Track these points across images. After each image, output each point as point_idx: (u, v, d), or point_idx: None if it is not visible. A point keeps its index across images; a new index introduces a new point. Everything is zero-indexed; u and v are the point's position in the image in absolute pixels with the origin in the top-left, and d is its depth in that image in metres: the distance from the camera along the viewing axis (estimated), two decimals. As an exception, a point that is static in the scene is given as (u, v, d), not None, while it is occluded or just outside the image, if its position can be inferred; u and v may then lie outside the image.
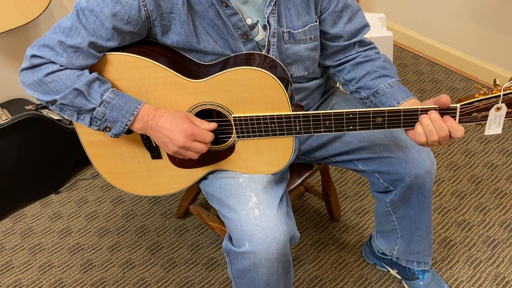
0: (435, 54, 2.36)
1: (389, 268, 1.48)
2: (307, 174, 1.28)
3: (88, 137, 1.08)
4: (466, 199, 1.72)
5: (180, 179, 1.12)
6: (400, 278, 1.45)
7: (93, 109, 0.94)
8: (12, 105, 1.70)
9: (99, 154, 1.11)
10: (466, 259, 1.53)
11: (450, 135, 0.92)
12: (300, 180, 1.26)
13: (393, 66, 1.11)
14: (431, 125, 0.92)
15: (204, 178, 1.12)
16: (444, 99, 0.90)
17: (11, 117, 1.64)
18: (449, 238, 1.60)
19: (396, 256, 1.38)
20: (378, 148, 1.15)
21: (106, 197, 1.82)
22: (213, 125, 0.98)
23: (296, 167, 1.29)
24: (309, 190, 1.64)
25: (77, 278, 1.56)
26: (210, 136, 0.97)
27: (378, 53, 1.12)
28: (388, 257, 1.44)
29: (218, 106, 1.00)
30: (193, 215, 1.71)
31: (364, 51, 1.11)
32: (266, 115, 0.98)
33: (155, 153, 1.08)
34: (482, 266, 1.51)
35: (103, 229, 1.71)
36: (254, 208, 1.00)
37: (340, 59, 1.12)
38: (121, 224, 1.72)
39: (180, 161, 1.08)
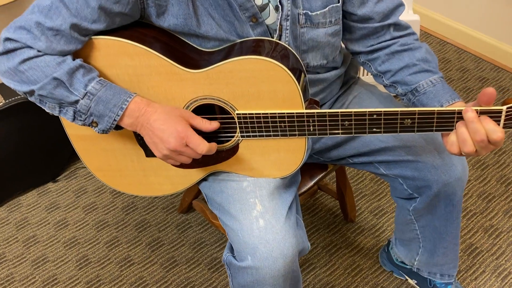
0: (463, 40, 2.18)
1: (407, 277, 1.35)
2: (320, 176, 1.15)
3: (75, 130, 0.96)
4: (494, 202, 1.57)
5: (178, 180, 0.99)
6: (420, 289, 1.33)
7: (76, 101, 0.82)
8: (5, 88, 1.59)
9: (88, 150, 0.99)
10: (493, 269, 1.39)
11: (489, 141, 0.77)
12: (313, 182, 1.13)
13: (435, 58, 0.95)
14: (466, 133, 0.77)
15: (204, 179, 1.00)
16: (487, 96, 0.75)
17: (4, 101, 1.53)
18: (474, 245, 1.46)
19: (417, 267, 1.25)
20: (403, 150, 1.01)
21: (106, 188, 1.71)
22: (215, 125, 0.85)
23: (308, 168, 1.16)
24: (322, 188, 1.51)
25: (72, 275, 1.47)
26: (204, 147, 0.82)
27: (418, 40, 0.97)
28: (408, 267, 1.31)
29: (219, 101, 0.86)
30: (197, 210, 1.60)
31: (401, 36, 0.95)
32: (275, 113, 0.85)
33: (149, 150, 0.95)
34: (511, 278, 1.37)
35: (101, 222, 1.61)
36: (258, 217, 0.88)
37: (372, 45, 0.97)
38: (121, 218, 1.62)
39: (177, 161, 0.96)
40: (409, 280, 1.35)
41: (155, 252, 1.51)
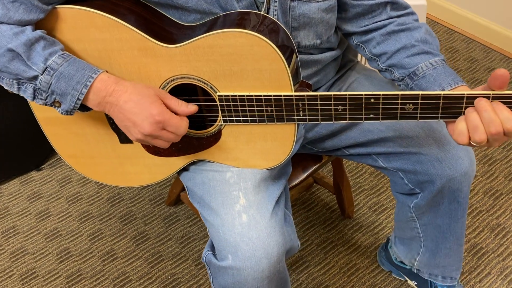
0: (472, 29, 2.07)
1: (407, 278, 1.26)
2: (314, 168, 1.05)
3: (44, 112, 0.88)
4: (501, 199, 1.47)
5: (156, 169, 0.91)
6: (420, 291, 1.24)
7: (35, 77, 0.73)
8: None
9: (58, 134, 0.90)
10: (499, 271, 1.30)
11: (504, 132, 0.68)
12: (305, 175, 1.04)
13: (435, 40, 0.85)
14: (478, 119, 0.68)
15: (185, 169, 0.91)
16: (500, 80, 0.65)
17: (-18, 84, 1.45)
18: (479, 245, 1.37)
19: (417, 267, 1.16)
20: (405, 140, 0.92)
21: (91, 178, 1.63)
22: (193, 108, 0.76)
23: (300, 158, 1.07)
24: (318, 181, 1.42)
25: (51, 269, 1.39)
26: (184, 127, 0.75)
27: (417, 20, 0.87)
28: (407, 267, 1.22)
29: (199, 80, 0.77)
30: (185, 203, 1.51)
31: (398, 16, 0.86)
32: (261, 95, 0.75)
33: (123, 136, 0.87)
34: (518, 281, 1.28)
35: (85, 214, 1.52)
36: (241, 212, 0.79)
37: (367, 25, 0.87)
38: (106, 209, 1.54)
39: (154, 148, 0.87)
40: (409, 281, 1.26)
41: (140, 246, 1.43)
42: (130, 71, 0.78)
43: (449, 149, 0.89)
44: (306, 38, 0.84)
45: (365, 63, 1.63)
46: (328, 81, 0.98)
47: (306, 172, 1.05)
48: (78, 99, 0.73)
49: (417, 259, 1.14)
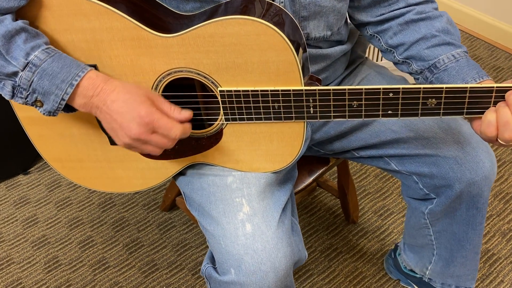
0: (475, 27, 2.01)
1: (416, 287, 1.19)
2: (320, 171, 0.98)
3: (26, 111, 0.80)
4: (512, 203, 1.41)
5: (150, 174, 0.83)
6: (431, 301, 1.17)
7: (15, 73, 0.65)
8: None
9: (42, 135, 0.83)
10: (512, 279, 1.24)
11: None
12: (311, 178, 0.97)
13: (457, 30, 0.79)
14: (510, 115, 0.61)
15: (182, 173, 0.83)
16: None
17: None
18: (491, 251, 1.30)
19: (429, 276, 1.09)
20: (420, 141, 0.85)
21: (81, 181, 1.55)
22: (187, 114, 0.68)
23: (306, 161, 0.99)
24: (321, 185, 1.35)
25: (39, 279, 1.30)
26: (177, 130, 0.66)
27: (437, 9, 0.80)
28: (418, 276, 1.15)
29: (199, 74, 0.70)
30: (181, 209, 1.43)
31: (417, 4, 0.79)
32: (267, 90, 0.68)
33: (114, 137, 0.79)
34: (534, 290, 1.21)
35: (75, 220, 1.44)
36: (245, 221, 0.72)
37: (383, 13, 0.80)
38: (97, 215, 1.45)
39: (148, 150, 0.79)
40: (419, 291, 1.19)
41: (133, 255, 1.35)
42: (122, 65, 0.71)
43: (469, 151, 0.82)
44: (316, 29, 0.77)
45: (372, 59, 1.56)
46: (337, 78, 0.91)
47: (313, 176, 0.97)
48: (62, 99, 0.65)
49: (429, 268, 1.07)
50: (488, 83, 0.70)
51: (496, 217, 1.38)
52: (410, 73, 0.80)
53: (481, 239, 0.97)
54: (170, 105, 0.67)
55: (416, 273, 1.15)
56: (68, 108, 0.68)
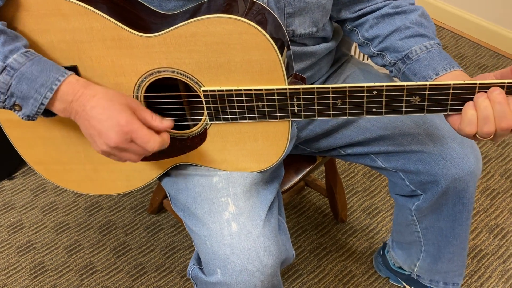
0: (460, 25, 2.03)
1: (405, 285, 1.20)
2: (307, 170, 0.98)
3: (6, 114, 0.78)
4: (499, 198, 1.42)
5: (134, 175, 0.82)
6: (420, 297, 1.17)
7: (-8, 76, 0.63)
8: None
9: (24, 138, 0.81)
10: (500, 274, 1.25)
11: None
12: (298, 177, 0.96)
13: (432, 24, 0.79)
14: (489, 109, 0.62)
15: (167, 174, 0.83)
16: None
17: None
18: (478, 247, 1.31)
19: (418, 273, 1.09)
20: (406, 138, 0.85)
21: (67, 186, 1.53)
22: (168, 123, 0.67)
23: (293, 160, 0.99)
24: (309, 184, 1.35)
25: (24, 285, 1.28)
26: (154, 143, 0.64)
27: (414, 4, 0.81)
28: (407, 273, 1.15)
29: (181, 74, 0.69)
30: (168, 211, 1.42)
31: None
32: (251, 89, 0.68)
33: (97, 139, 0.78)
34: (521, 284, 1.22)
35: (61, 225, 1.42)
36: (231, 221, 0.71)
37: (361, 9, 0.81)
38: (83, 219, 1.43)
39: (132, 151, 0.78)
40: (408, 288, 1.20)
41: (121, 258, 1.33)
42: (103, 65, 0.70)
43: (454, 147, 0.83)
44: (302, 26, 0.77)
45: (359, 58, 1.56)
46: (322, 76, 0.90)
47: (300, 175, 0.97)
48: (41, 103, 0.64)
49: (417, 265, 1.07)
50: (459, 73, 0.71)
51: (483, 213, 1.39)
52: (384, 65, 0.80)
53: (468, 234, 0.97)
54: (152, 114, 0.66)
55: (405, 270, 1.15)
56: (48, 113, 0.67)
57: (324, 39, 0.84)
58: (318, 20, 0.78)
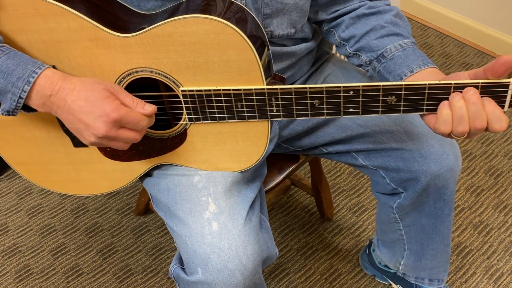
0: (445, 25, 2.05)
1: (391, 283, 1.21)
2: (291, 169, 0.98)
3: (-14, 116, 0.77)
4: (483, 195, 1.44)
5: (115, 175, 0.82)
6: (405, 295, 1.18)
7: (-32, 74, 0.63)
8: None
9: (3, 138, 0.81)
10: (484, 270, 1.26)
11: (487, 127, 0.63)
12: (282, 176, 0.97)
13: (407, 24, 0.80)
14: (464, 109, 0.62)
15: (148, 174, 0.82)
16: (504, 67, 0.59)
17: None
18: (463, 244, 1.32)
19: (403, 271, 1.10)
20: (386, 136, 0.86)
21: (53, 188, 1.52)
22: (151, 109, 0.67)
23: (276, 159, 0.99)
24: (296, 183, 1.35)
25: (9, 289, 1.27)
26: (145, 122, 0.66)
27: (389, 4, 0.82)
28: (392, 271, 1.16)
29: (159, 74, 0.69)
30: (155, 212, 1.42)
31: (370, 0, 0.80)
32: (229, 89, 0.68)
33: (77, 139, 0.78)
34: (505, 280, 1.24)
35: (47, 227, 1.41)
36: (211, 220, 0.71)
37: (337, 10, 0.81)
38: (69, 221, 1.43)
39: (112, 151, 0.78)
40: (393, 286, 1.21)
41: (107, 260, 1.33)
42: (81, 65, 0.69)
43: (433, 144, 0.84)
44: (280, 27, 0.77)
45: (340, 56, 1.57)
46: (303, 75, 0.91)
47: (283, 174, 0.97)
48: (20, 97, 0.64)
49: (402, 263, 1.08)
50: (432, 71, 0.72)
51: (467, 210, 1.41)
52: (361, 65, 0.81)
53: (450, 231, 0.98)
54: (133, 99, 0.67)
55: (391, 269, 1.16)
56: (29, 109, 0.67)
57: (304, 40, 0.85)
58: (296, 21, 0.78)
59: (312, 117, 0.70)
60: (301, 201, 1.46)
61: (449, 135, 0.64)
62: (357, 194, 1.46)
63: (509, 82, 0.62)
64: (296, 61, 0.86)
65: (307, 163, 1.40)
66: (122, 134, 0.65)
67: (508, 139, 1.60)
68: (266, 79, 0.68)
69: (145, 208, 1.39)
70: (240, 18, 0.68)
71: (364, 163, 0.90)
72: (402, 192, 0.91)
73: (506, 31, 1.88)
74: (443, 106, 0.64)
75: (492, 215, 1.39)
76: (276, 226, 1.39)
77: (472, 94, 0.62)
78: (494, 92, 0.63)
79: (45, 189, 1.51)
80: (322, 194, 1.30)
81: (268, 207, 1.32)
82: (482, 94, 0.63)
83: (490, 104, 0.62)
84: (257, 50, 0.66)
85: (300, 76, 0.90)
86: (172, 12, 0.68)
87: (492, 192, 1.45)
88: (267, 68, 0.70)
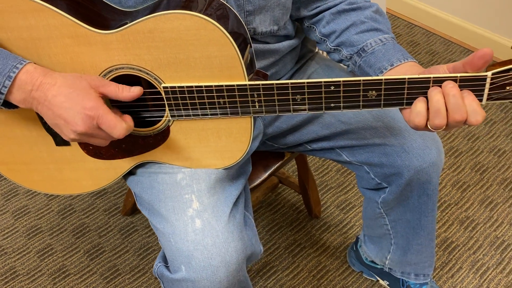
0: (431, 23, 2.07)
1: (378, 278, 1.21)
2: (276, 166, 0.98)
3: (-34, 115, 0.77)
4: (469, 191, 1.45)
5: (99, 174, 0.81)
6: (392, 290, 1.19)
7: None
8: None
9: (-15, 139, 0.80)
10: (470, 265, 1.27)
11: (465, 121, 0.63)
12: (267, 174, 0.97)
13: (386, 20, 0.81)
14: (441, 102, 0.63)
15: (132, 172, 0.82)
16: (483, 60, 0.60)
17: None
18: (450, 239, 1.33)
19: (389, 266, 1.11)
20: (368, 132, 0.86)
21: (40, 189, 1.50)
22: (137, 91, 0.67)
23: (261, 156, 1.00)
24: (283, 181, 1.36)
25: (-5, 291, 1.26)
26: (121, 129, 0.64)
27: (369, 1, 0.82)
28: (379, 266, 1.17)
29: (141, 71, 0.69)
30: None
31: None
32: (211, 85, 0.68)
33: (59, 137, 0.77)
34: (490, 274, 1.25)
35: (33, 228, 1.40)
36: (194, 217, 0.71)
37: (318, 6, 0.82)
38: (56, 222, 1.42)
39: (95, 150, 0.78)
40: (381, 281, 1.21)
41: (95, 261, 1.32)
42: (62, 63, 0.69)
43: (416, 139, 0.84)
44: (263, 24, 0.77)
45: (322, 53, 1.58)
46: (287, 73, 0.91)
47: (268, 171, 0.98)
48: (0, 93, 0.63)
49: (388, 258, 1.09)
50: (412, 65, 0.73)
51: (454, 206, 1.42)
52: (341, 60, 0.82)
53: (435, 226, 0.99)
54: (117, 85, 0.66)
55: (377, 264, 1.17)
56: (10, 105, 0.66)
57: (287, 37, 0.85)
58: (279, 18, 0.78)
59: (294, 113, 0.70)
60: (289, 199, 1.46)
61: (426, 128, 0.65)
62: (345, 191, 1.47)
63: (486, 75, 0.63)
64: (279, 59, 0.86)
65: (294, 161, 1.40)
66: (100, 133, 0.65)
67: (493, 135, 1.61)
68: (248, 75, 0.68)
69: (132, 208, 1.38)
70: (221, 15, 0.68)
71: (348, 159, 0.90)
72: (387, 187, 0.92)
73: (491, 28, 1.90)
74: (418, 102, 0.65)
75: (478, 211, 1.40)
76: (264, 224, 1.39)
77: (451, 87, 0.63)
78: (472, 85, 0.64)
79: (31, 190, 1.50)
80: (309, 191, 1.30)
81: (256, 205, 1.32)
82: (461, 87, 0.64)
83: (469, 97, 0.63)
84: (238, 46, 0.66)
85: (284, 74, 0.90)
86: (153, 9, 0.68)
87: (477, 188, 1.46)
88: (250, 65, 0.70)
